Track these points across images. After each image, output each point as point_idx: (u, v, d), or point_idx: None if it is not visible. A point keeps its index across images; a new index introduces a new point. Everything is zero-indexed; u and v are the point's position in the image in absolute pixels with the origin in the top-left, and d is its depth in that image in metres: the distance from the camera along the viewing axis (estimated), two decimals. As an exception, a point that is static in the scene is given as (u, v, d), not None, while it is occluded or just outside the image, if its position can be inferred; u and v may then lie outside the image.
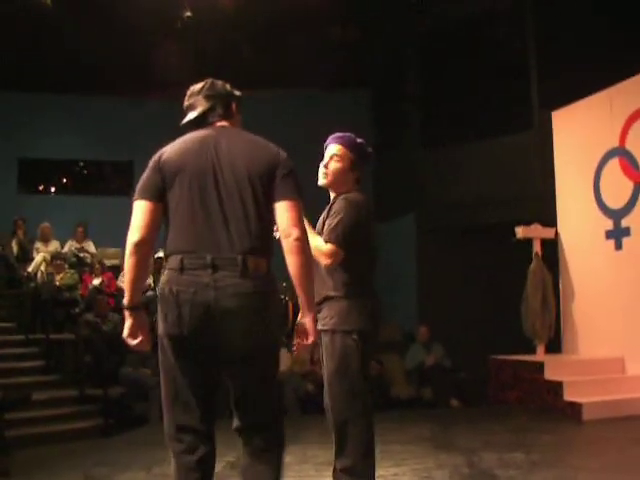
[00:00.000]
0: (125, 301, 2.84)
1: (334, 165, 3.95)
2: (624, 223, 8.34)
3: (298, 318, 3.09)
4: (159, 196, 2.83)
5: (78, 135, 12.54)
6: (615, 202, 8.51)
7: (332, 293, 3.79)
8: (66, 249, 11.54)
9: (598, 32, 9.58)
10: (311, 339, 3.00)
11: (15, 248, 11.27)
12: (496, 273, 10.42)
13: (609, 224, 8.55)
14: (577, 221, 9.14)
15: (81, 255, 11.43)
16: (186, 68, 10.88)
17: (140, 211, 2.82)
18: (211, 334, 2.75)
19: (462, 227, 11.09)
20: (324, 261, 3.74)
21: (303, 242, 2.89)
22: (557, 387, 7.72)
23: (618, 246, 8.41)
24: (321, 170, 3.98)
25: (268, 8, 10.41)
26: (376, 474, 4.29)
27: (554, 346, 9.23)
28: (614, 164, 8.57)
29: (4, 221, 11.21)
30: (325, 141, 4.09)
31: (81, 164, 13.56)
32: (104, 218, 11.99)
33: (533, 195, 10.07)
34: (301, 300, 2.98)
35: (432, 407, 9.38)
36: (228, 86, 3.16)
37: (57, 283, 10.41)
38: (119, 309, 10.34)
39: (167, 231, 2.86)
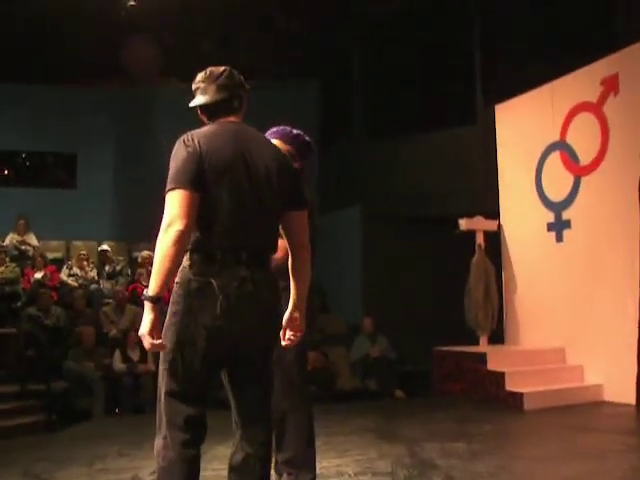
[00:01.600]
0: (151, 291, 2.71)
1: None
2: (565, 216, 8.51)
3: (289, 312, 3.17)
4: (199, 187, 2.78)
5: (20, 126, 12.23)
6: (556, 195, 8.67)
7: None
8: (7, 242, 11.28)
9: (541, 27, 9.77)
10: (300, 333, 3.18)
11: (-47, 241, 10.99)
12: (440, 264, 10.55)
13: (550, 217, 8.71)
14: (519, 213, 9.29)
15: (23, 248, 11.20)
16: (134, 58, 10.78)
17: (182, 199, 2.75)
18: (250, 323, 2.86)
19: (407, 218, 11.19)
20: (277, 255, 3.73)
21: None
22: (499, 377, 7.85)
23: (559, 238, 8.58)
24: None
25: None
26: (319, 465, 4.36)
27: (497, 337, 9.38)
28: (555, 157, 8.73)
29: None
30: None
31: (23, 155, 13.23)
32: (46, 210, 11.82)
33: (476, 187, 10.21)
34: (298, 297, 3.16)
35: (377, 398, 9.44)
36: (242, 78, 3.13)
37: (-2, 277, 10.18)
38: (62, 303, 10.19)
39: (199, 225, 2.82)
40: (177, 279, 2.87)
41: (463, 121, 10.66)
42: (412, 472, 4.87)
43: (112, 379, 8.68)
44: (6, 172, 13.17)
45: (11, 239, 11.34)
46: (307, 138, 4.10)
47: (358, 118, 12.22)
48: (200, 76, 3.08)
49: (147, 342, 2.73)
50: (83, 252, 11.33)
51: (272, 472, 3.98)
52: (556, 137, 8.72)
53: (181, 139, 2.89)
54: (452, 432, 6.32)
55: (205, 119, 3.09)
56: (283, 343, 3.22)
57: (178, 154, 2.85)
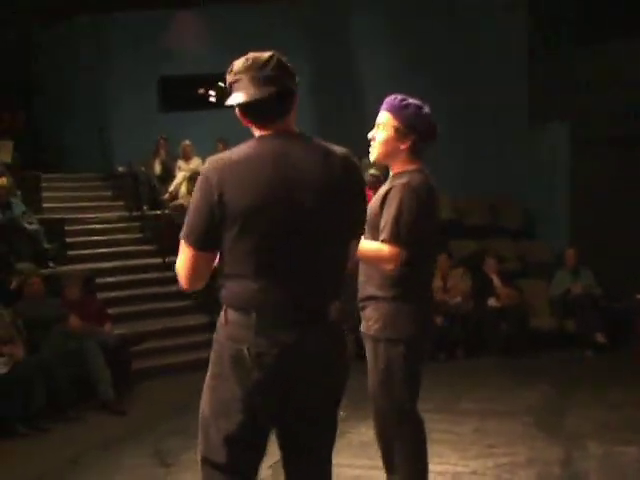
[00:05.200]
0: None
1: (379, 135, 3.39)
2: None
3: None
4: (213, 243, 2.35)
5: (218, 49, 12.09)
6: None
7: (379, 292, 3.30)
8: (206, 166, 11.49)
9: None
10: None
11: (158, 168, 11.41)
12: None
13: None
14: None
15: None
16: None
17: (188, 258, 2.39)
18: (293, 397, 2.42)
19: (624, 139, 9.75)
20: (387, 266, 3.22)
21: None
22: None
23: None
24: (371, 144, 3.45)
25: None
26: (454, 465, 4.53)
27: None
28: None
29: (147, 140, 11.36)
30: None
31: (221, 78, 13.17)
32: (245, 133, 11.81)
33: None
34: None
35: (573, 344, 8.62)
36: (291, 66, 2.45)
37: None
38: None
39: (229, 279, 2.39)
40: (215, 334, 2.49)
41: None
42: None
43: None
44: (205, 96, 13.23)
45: (210, 163, 11.50)
46: (423, 110, 3.36)
47: (570, 23, 10.68)
48: (238, 65, 2.41)
49: None
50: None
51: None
52: None
53: (203, 172, 2.35)
54: (627, 427, 5.53)
55: (247, 123, 2.48)
56: None
57: (195, 196, 2.36)
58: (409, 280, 3.29)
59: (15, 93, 12.40)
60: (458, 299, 8.88)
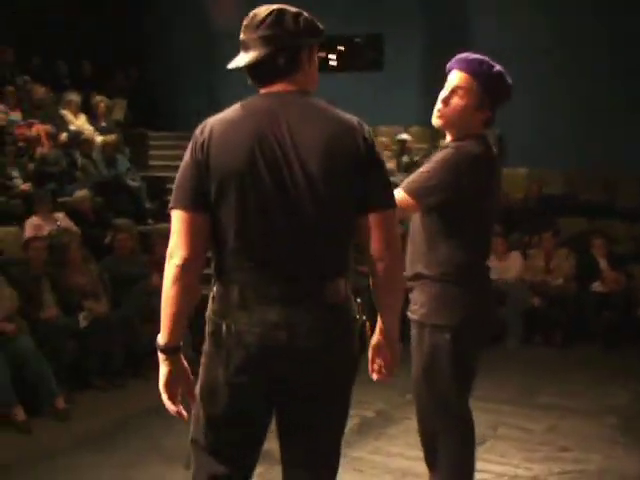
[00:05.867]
0: (161, 340, 2.22)
1: (456, 101, 2.95)
2: None
3: (374, 338, 2.57)
4: (204, 204, 2.17)
5: (336, 13, 11.62)
6: None
7: (426, 271, 2.99)
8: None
9: None
10: (392, 367, 2.53)
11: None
12: None
13: None
14: None
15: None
16: None
17: (181, 223, 2.17)
18: (283, 378, 2.25)
19: None
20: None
21: (395, 270, 2.26)
22: None
23: None
24: (438, 106, 2.99)
25: None
26: (516, 471, 4.17)
27: None
28: None
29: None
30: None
31: (332, 40, 12.77)
32: (355, 95, 11.46)
33: None
34: (382, 323, 2.49)
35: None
36: (305, 20, 2.23)
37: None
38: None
39: (215, 249, 2.25)
40: (207, 310, 2.33)
41: None
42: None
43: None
44: (327, 57, 12.63)
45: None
46: (503, 72, 2.97)
47: None
48: (243, 26, 2.24)
49: (165, 403, 2.29)
50: (383, 138, 10.69)
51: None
52: None
53: (194, 133, 2.21)
54: None
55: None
56: (374, 377, 2.62)
57: (185, 156, 2.21)
58: (457, 259, 2.96)
59: (129, 51, 12.53)
60: (560, 280, 8.32)
